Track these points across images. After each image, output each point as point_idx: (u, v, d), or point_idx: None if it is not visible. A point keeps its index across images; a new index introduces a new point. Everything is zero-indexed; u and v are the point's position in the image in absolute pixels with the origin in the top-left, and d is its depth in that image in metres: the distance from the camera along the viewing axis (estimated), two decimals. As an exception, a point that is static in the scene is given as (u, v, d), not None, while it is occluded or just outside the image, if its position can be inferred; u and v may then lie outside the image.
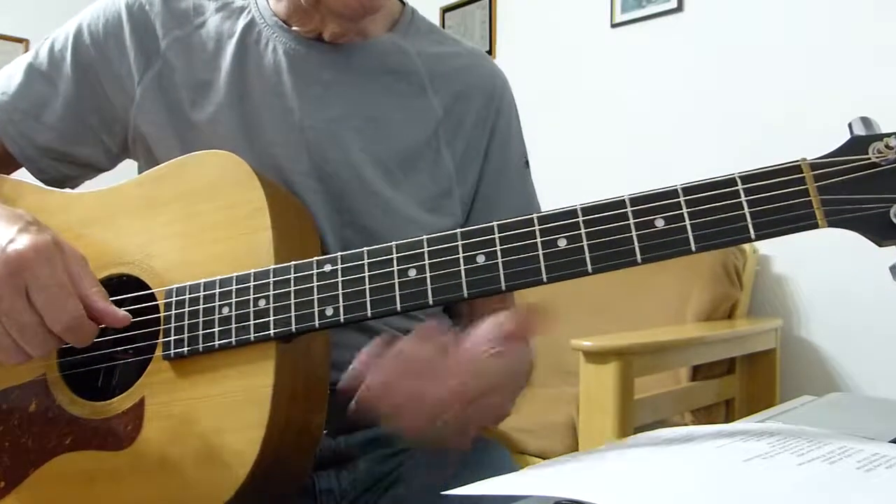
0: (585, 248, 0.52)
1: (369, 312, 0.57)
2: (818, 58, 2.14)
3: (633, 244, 0.51)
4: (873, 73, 2.02)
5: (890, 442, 0.49)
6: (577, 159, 2.65)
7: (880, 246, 0.48)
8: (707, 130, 2.36)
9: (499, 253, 0.53)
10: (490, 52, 3.00)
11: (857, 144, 0.48)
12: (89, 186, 0.78)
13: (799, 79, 2.17)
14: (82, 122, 0.80)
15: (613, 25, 2.63)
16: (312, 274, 0.59)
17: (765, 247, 2.25)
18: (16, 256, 0.57)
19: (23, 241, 0.58)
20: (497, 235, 0.54)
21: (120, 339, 0.66)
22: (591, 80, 2.69)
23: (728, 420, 2.08)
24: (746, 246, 2.22)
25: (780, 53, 2.22)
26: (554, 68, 2.81)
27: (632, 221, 0.51)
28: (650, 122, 2.51)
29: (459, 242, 0.54)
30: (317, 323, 0.58)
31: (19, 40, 3.46)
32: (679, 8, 2.46)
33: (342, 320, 0.57)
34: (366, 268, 0.57)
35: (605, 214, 0.52)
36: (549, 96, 2.75)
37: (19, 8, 3.47)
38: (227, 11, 0.80)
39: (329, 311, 0.58)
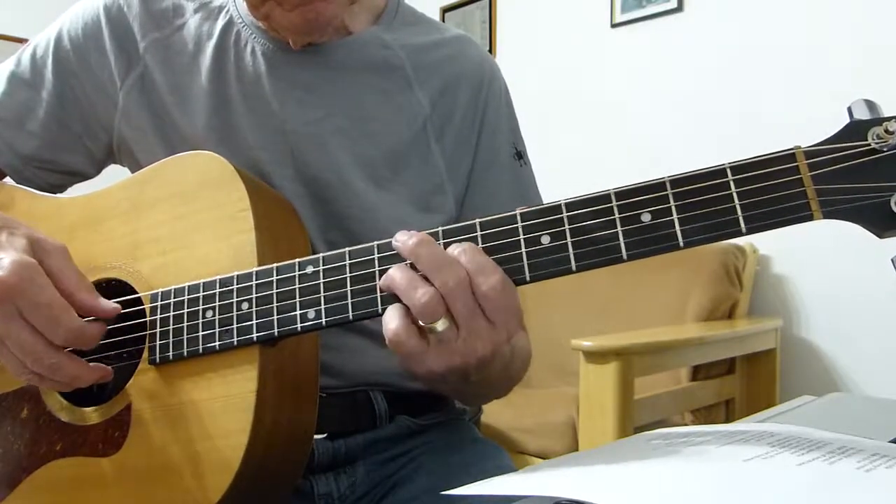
0: (569, 245, 0.50)
1: (351, 315, 0.55)
2: (818, 57, 2.14)
3: (619, 240, 0.49)
4: (874, 72, 2.02)
5: (890, 442, 0.49)
6: (576, 159, 2.65)
7: (881, 237, 0.45)
8: (707, 130, 2.36)
9: (482, 251, 0.52)
10: (490, 52, 3.00)
11: (854, 130, 0.45)
12: (80, 190, 0.78)
13: (799, 78, 2.17)
14: (66, 129, 0.79)
15: (613, 25, 2.63)
16: (295, 276, 0.58)
17: (765, 246, 2.25)
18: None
19: (3, 265, 0.57)
20: (479, 233, 0.52)
21: (109, 344, 0.66)
22: (591, 80, 2.70)
23: (728, 420, 2.08)
24: (747, 246, 2.22)
25: (780, 53, 2.22)
26: (554, 68, 2.81)
27: (617, 216, 0.49)
28: (650, 122, 2.52)
29: (441, 241, 0.53)
30: (299, 326, 0.57)
31: (19, 40, 3.46)
32: (679, 8, 2.46)
33: (324, 323, 0.56)
34: (347, 269, 0.56)
35: (589, 210, 0.50)
36: (549, 96, 2.75)
37: (19, 8, 3.47)
38: (205, 12, 0.79)
39: (311, 314, 0.57)
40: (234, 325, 0.60)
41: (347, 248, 0.56)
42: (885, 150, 0.44)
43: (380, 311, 0.54)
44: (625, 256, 0.49)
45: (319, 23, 0.70)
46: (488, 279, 0.50)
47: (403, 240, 0.53)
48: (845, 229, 0.48)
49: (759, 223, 0.46)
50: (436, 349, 0.52)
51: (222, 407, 0.59)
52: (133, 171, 0.79)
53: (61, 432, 0.66)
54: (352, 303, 0.56)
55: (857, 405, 0.75)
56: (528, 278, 0.51)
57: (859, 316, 2.06)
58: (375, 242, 0.56)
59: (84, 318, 0.61)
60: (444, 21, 3.14)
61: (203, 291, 0.62)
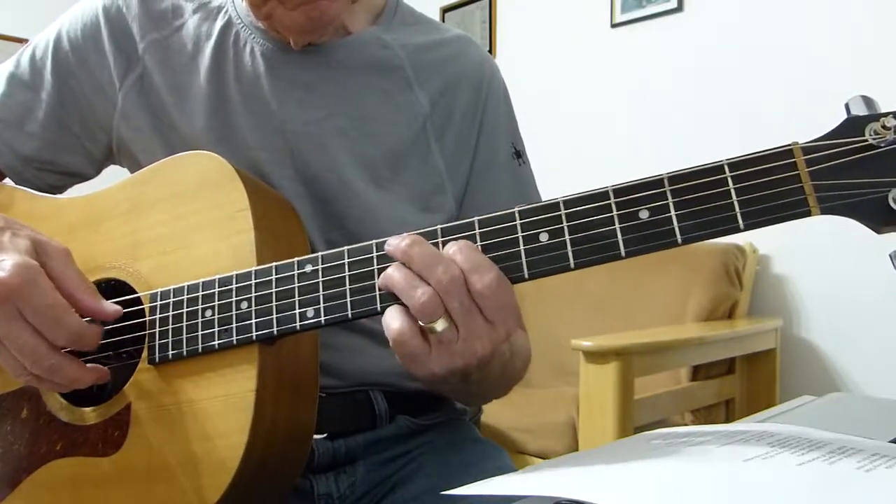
0: (567, 242, 0.50)
1: (350, 313, 0.55)
2: (818, 57, 2.14)
3: (617, 237, 0.49)
4: (874, 71, 2.02)
5: (890, 442, 0.49)
6: (576, 159, 2.65)
7: (878, 233, 0.45)
8: (707, 130, 2.36)
9: (480, 249, 0.52)
10: (490, 52, 3.00)
11: (852, 126, 0.45)
12: (80, 190, 0.77)
13: (799, 78, 2.17)
14: (66, 130, 0.79)
15: (613, 25, 2.63)
16: (293, 275, 0.58)
17: (765, 246, 2.25)
18: (1, 286, 0.56)
19: (4, 266, 0.57)
20: (478, 231, 0.53)
21: (108, 344, 0.66)
22: (591, 80, 2.70)
23: (728, 420, 2.08)
24: (746, 245, 2.22)
25: (780, 53, 2.22)
26: (554, 68, 2.81)
27: (615, 213, 0.49)
28: (650, 122, 2.52)
29: (440, 239, 0.53)
30: (298, 325, 0.57)
31: (19, 40, 3.46)
32: (679, 8, 2.46)
33: (323, 321, 0.56)
34: (346, 267, 0.56)
35: (587, 207, 0.50)
36: (549, 96, 2.76)
37: (19, 8, 3.47)
38: (204, 12, 0.79)
39: (310, 313, 0.57)
40: (234, 325, 0.60)
41: (346, 247, 0.57)
42: (882, 145, 0.44)
43: (379, 309, 0.54)
44: (623, 253, 0.49)
45: (323, 21, 0.70)
46: (483, 277, 0.50)
47: (395, 243, 0.53)
48: (845, 228, 0.48)
49: (757, 219, 0.46)
50: (437, 351, 0.52)
51: (221, 406, 0.59)
52: (133, 171, 0.79)
53: (61, 432, 0.66)
54: (351, 301, 0.56)
55: (857, 405, 0.75)
56: (526, 276, 0.51)
57: (859, 316, 2.06)
58: (374, 241, 0.56)
59: (85, 319, 0.61)
60: (444, 21, 3.14)
61: (202, 291, 0.62)
